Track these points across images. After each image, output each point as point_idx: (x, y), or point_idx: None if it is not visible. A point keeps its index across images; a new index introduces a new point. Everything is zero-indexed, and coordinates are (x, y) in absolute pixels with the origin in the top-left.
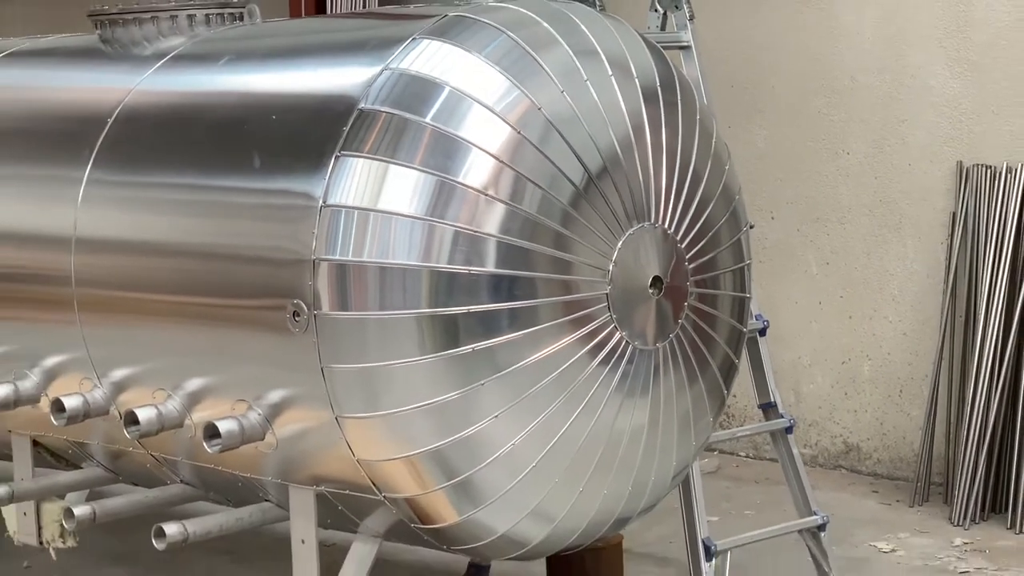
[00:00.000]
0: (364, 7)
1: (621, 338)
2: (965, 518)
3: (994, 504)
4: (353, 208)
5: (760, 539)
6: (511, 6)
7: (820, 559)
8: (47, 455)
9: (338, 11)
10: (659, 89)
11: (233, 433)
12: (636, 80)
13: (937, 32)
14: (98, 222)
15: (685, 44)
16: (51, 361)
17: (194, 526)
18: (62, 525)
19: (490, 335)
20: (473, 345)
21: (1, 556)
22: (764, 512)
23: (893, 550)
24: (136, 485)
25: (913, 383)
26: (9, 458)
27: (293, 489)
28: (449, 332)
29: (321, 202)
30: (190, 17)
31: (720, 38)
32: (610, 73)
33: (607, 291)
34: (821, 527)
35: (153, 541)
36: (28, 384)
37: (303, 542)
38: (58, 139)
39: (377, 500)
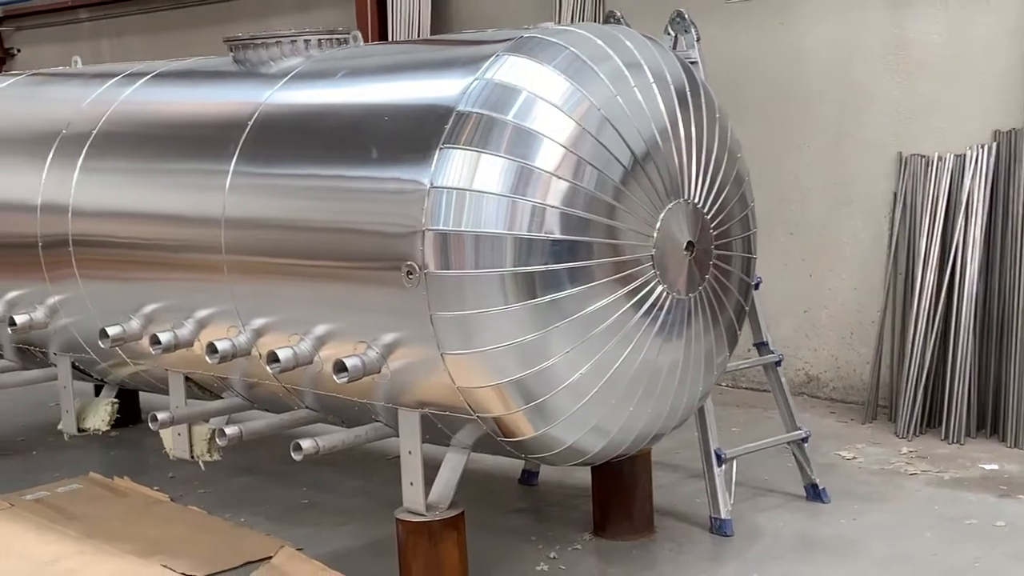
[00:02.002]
0: (419, 24)
1: (663, 290)
2: (908, 432)
3: (929, 421)
4: (453, 189)
5: (759, 449)
6: (573, 29)
7: (804, 464)
8: (195, 388)
9: (398, 24)
10: (688, 94)
11: (357, 367)
12: (671, 86)
13: (879, 50)
14: (242, 204)
15: (693, 60)
16: (203, 313)
17: (323, 441)
18: (209, 442)
19: (561, 288)
20: (548, 296)
21: (150, 470)
22: (746, 429)
23: (854, 457)
24: (267, 411)
25: (861, 327)
26: (160, 391)
27: (402, 411)
28: (528, 286)
29: (429, 185)
30: (306, 41)
31: (707, 55)
32: (651, 81)
33: (652, 253)
34: (805, 439)
35: (292, 454)
36: (184, 332)
37: (410, 453)
38: (208, 140)
39: (471, 419)
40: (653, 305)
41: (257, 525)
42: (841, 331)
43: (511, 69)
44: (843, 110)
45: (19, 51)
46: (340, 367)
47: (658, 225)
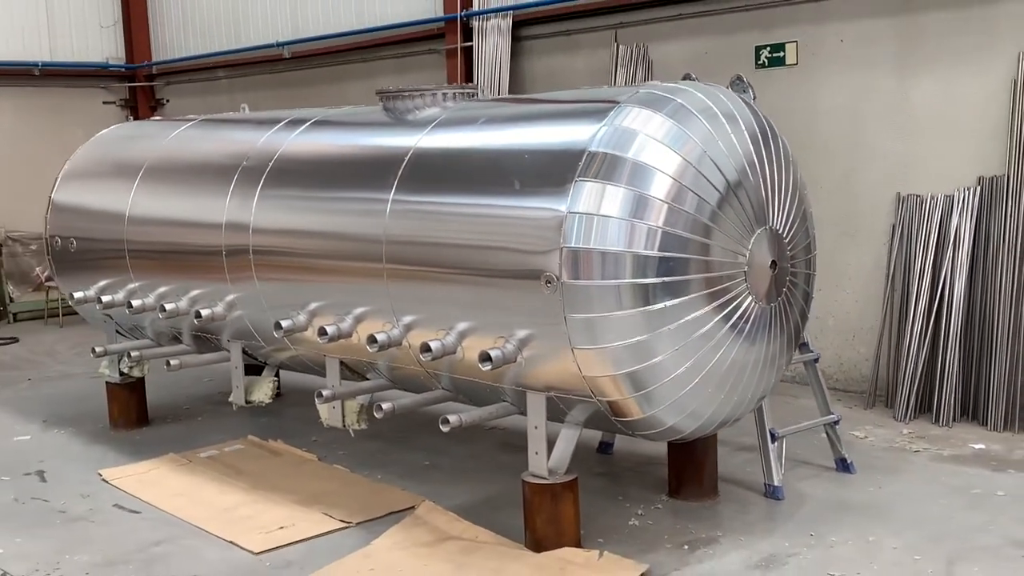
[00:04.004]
0: (499, 83)
1: (752, 302)
2: (905, 416)
3: (921, 407)
4: (584, 214)
5: (803, 429)
6: (679, 86)
7: (835, 442)
8: (345, 370)
9: (483, 82)
10: (770, 139)
11: (500, 358)
12: (757, 132)
13: (884, 110)
14: (401, 226)
15: None
16: (362, 310)
17: (465, 416)
18: (358, 414)
19: (669, 298)
20: (659, 304)
21: (294, 434)
22: (773, 411)
23: (866, 437)
24: (404, 390)
25: (861, 332)
26: (311, 372)
27: (530, 394)
28: (643, 295)
29: (566, 211)
30: (444, 94)
31: None
32: (742, 127)
33: (745, 270)
34: (836, 422)
35: (440, 426)
36: (345, 325)
37: (536, 428)
38: (369, 174)
39: (589, 401)
40: (743, 314)
41: (391, 482)
42: (845, 335)
43: (631, 116)
44: (852, 157)
45: (168, 101)
46: (485, 357)
47: (749, 246)
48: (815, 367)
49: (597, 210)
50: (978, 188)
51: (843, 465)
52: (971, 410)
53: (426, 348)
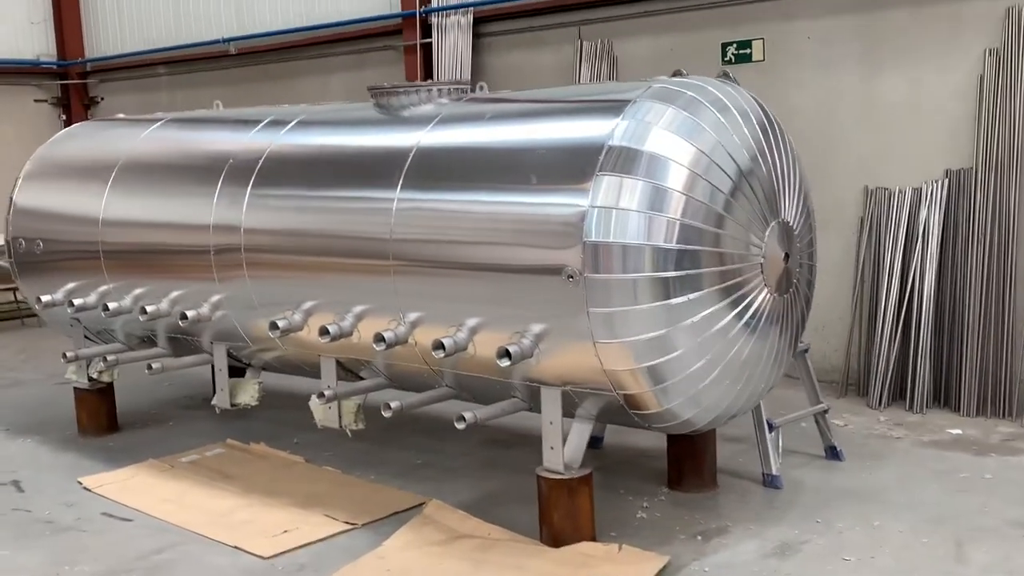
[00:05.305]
0: (460, 78)
1: (767, 293)
2: (880, 404)
3: (894, 395)
4: (603, 208)
5: (797, 419)
6: (692, 80)
7: (825, 429)
8: (339, 369)
9: (443, 78)
10: (777, 131)
11: (517, 353)
12: (765, 123)
13: (854, 109)
14: (409, 225)
15: None
16: (363, 308)
17: (479, 413)
18: (355, 414)
19: (689, 291)
20: (679, 298)
21: (276, 437)
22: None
23: (846, 424)
24: (402, 389)
25: (831, 323)
26: (299, 372)
27: (545, 389)
28: (663, 288)
29: (587, 205)
30: (439, 91)
31: None
32: (753, 119)
33: (761, 262)
34: (826, 411)
35: (455, 424)
36: (346, 324)
37: (551, 423)
38: (372, 172)
39: (603, 394)
40: (759, 306)
41: (386, 482)
42: (816, 325)
43: (644, 110)
44: (820, 151)
45: (103, 99)
46: (504, 353)
47: (765, 239)
48: (805, 358)
49: (616, 204)
50: (946, 181)
51: (832, 453)
52: (943, 397)
53: (439, 346)
